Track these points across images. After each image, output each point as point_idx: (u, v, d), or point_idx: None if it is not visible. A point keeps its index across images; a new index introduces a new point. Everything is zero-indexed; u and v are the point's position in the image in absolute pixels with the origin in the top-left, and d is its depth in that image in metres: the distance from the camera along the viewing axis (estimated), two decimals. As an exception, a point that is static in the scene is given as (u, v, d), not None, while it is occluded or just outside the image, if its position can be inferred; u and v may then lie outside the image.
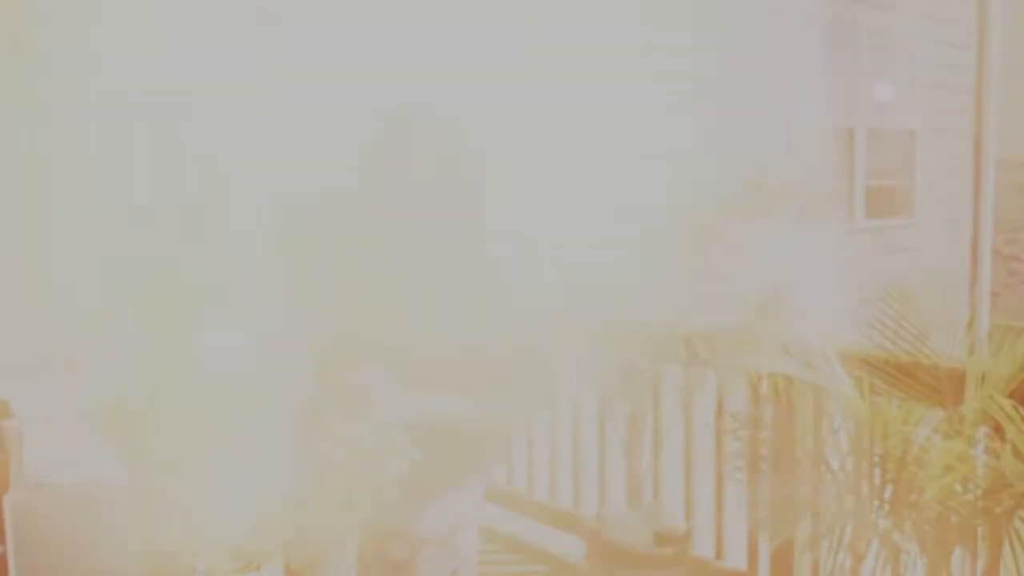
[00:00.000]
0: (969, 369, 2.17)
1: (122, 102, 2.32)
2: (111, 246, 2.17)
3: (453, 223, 2.24)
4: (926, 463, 2.07)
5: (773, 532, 2.30)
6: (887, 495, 2.18)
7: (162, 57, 2.32)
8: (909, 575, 2.18)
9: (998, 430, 2.09)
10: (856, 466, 2.26)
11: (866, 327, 2.42)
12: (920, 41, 6.94)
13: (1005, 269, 10.24)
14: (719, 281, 2.86)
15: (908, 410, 2.10)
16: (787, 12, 5.82)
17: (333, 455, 1.77)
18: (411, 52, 3.05)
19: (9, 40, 2.01)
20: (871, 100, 6.62)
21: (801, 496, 2.31)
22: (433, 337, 2.09)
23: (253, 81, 2.61)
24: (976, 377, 2.15)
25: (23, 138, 2.07)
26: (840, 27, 6.35)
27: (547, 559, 3.49)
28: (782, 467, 2.34)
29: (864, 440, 2.23)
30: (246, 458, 1.70)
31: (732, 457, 2.45)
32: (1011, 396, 2.07)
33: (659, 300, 2.90)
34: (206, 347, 1.81)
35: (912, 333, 2.37)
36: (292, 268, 2.27)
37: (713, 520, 3.06)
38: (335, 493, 1.76)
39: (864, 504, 2.21)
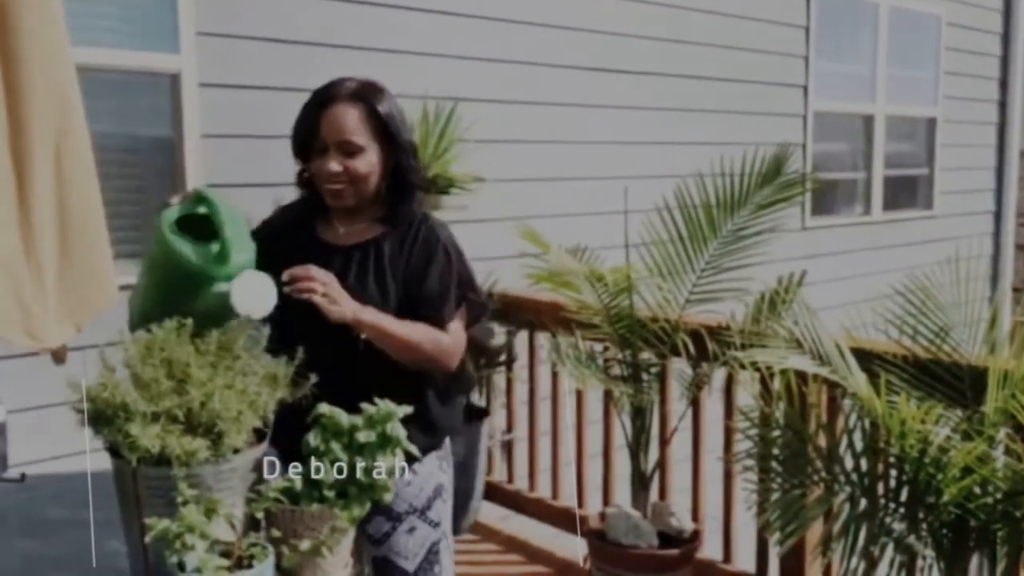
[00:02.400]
0: (991, 367, 2.17)
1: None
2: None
3: None
4: (944, 464, 2.06)
5: (784, 534, 2.29)
6: (903, 497, 2.17)
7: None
8: (925, 581, 2.18)
9: (1020, 431, 2.08)
10: (871, 467, 2.25)
11: (883, 322, 2.41)
12: (944, 25, 6.91)
13: (1028, 265, 10.22)
14: (731, 272, 2.86)
15: (926, 409, 2.09)
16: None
17: (329, 449, 1.77)
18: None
19: None
20: (891, 86, 6.59)
21: (813, 497, 2.31)
22: None
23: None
24: (998, 376, 2.14)
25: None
26: (860, 8, 6.32)
27: (549, 560, 3.49)
28: (794, 467, 2.33)
29: (880, 440, 2.22)
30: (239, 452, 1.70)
31: (742, 456, 2.44)
32: (1033, 396, 2.06)
33: (668, 292, 2.90)
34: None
35: (931, 329, 2.36)
36: None
37: (721, 521, 3.06)
38: (330, 489, 1.76)
39: (879, 506, 2.20)
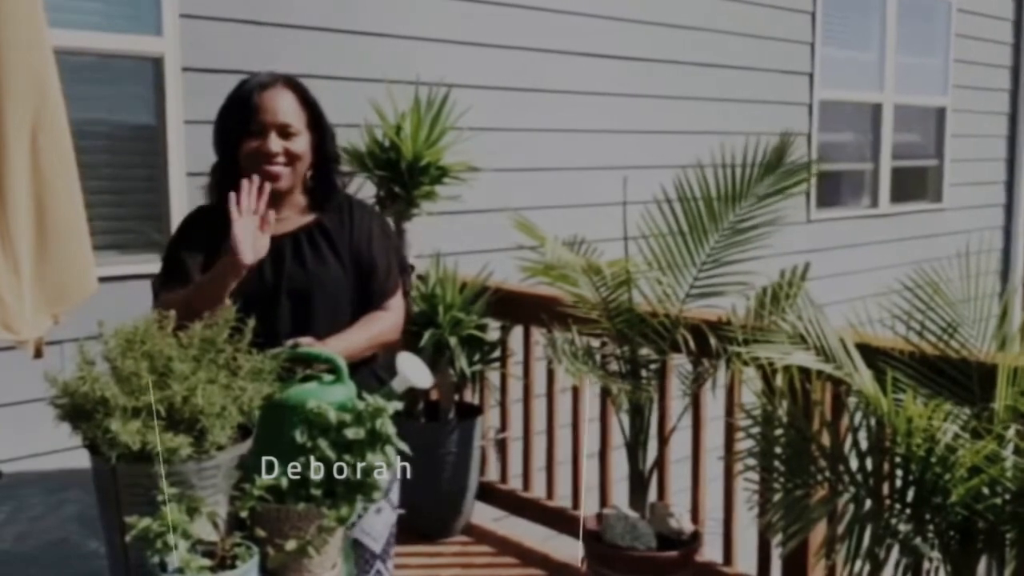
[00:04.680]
0: (1000, 364, 2.17)
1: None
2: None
3: None
4: (952, 464, 2.06)
5: (786, 536, 2.30)
6: (909, 498, 2.18)
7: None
8: (931, 584, 2.18)
9: (1030, 429, 2.09)
10: (876, 466, 2.25)
11: (890, 318, 2.42)
12: (954, 11, 6.91)
13: (1039, 260, 10.22)
14: (732, 266, 2.86)
15: (933, 407, 2.09)
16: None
17: (316, 447, 1.77)
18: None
19: None
20: (900, 74, 6.59)
21: (817, 498, 2.31)
22: None
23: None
24: (1007, 372, 2.14)
25: None
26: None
27: (544, 562, 3.50)
28: (797, 466, 2.34)
29: (885, 438, 2.22)
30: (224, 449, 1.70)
31: (743, 455, 2.45)
32: (1044, 393, 2.06)
33: (668, 286, 2.90)
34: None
35: (939, 325, 2.36)
36: None
37: (722, 522, 3.07)
38: (317, 487, 1.76)
39: (884, 507, 2.21)
